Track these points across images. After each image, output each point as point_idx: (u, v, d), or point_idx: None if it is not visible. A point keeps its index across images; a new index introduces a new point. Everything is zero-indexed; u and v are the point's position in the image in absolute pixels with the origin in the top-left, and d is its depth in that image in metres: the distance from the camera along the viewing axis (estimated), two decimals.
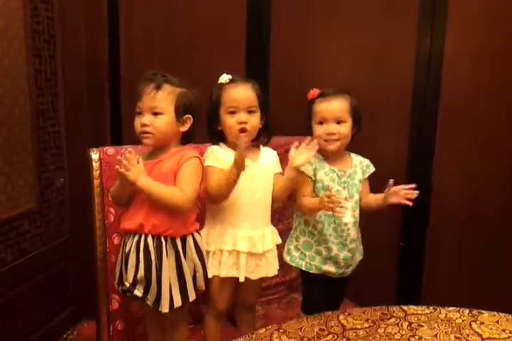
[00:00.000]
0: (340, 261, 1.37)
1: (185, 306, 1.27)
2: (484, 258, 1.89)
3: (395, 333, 1.04)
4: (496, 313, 1.12)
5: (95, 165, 1.32)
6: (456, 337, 1.03)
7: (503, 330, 1.06)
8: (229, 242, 1.32)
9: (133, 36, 1.96)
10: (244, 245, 1.31)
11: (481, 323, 1.08)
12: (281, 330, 1.05)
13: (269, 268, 1.37)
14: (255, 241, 1.32)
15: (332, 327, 1.07)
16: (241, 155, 1.21)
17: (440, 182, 1.87)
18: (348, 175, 1.39)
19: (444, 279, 1.91)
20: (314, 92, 1.38)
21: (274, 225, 1.42)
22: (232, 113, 1.31)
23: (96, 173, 1.32)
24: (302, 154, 1.28)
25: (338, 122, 1.35)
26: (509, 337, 1.03)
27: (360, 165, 1.42)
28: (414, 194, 1.29)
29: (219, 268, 1.32)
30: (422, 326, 1.07)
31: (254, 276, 1.34)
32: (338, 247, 1.37)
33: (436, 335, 1.04)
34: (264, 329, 1.06)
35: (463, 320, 1.10)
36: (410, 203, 1.30)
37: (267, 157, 1.37)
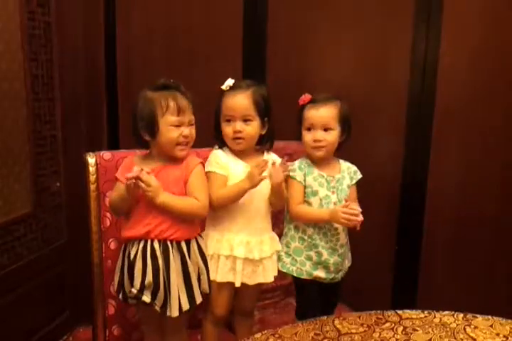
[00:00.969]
0: (331, 266, 1.38)
1: (192, 310, 1.27)
2: (480, 262, 1.89)
3: (390, 337, 1.05)
4: (490, 317, 1.13)
5: (92, 169, 1.32)
6: None
7: (497, 334, 1.06)
8: (226, 247, 1.32)
9: (130, 40, 1.97)
10: (241, 251, 1.31)
11: (475, 327, 1.09)
12: (276, 335, 1.05)
13: (267, 275, 1.37)
14: (252, 247, 1.33)
15: (327, 331, 1.07)
16: (255, 180, 1.26)
17: (435, 185, 1.88)
18: (337, 180, 1.40)
19: (440, 283, 1.92)
20: (305, 98, 1.39)
21: None
22: (228, 121, 1.32)
23: (92, 178, 1.32)
24: (278, 173, 1.29)
25: (326, 129, 1.36)
26: None
27: (348, 171, 1.43)
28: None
29: (216, 272, 1.32)
30: (416, 330, 1.08)
31: (251, 282, 1.34)
32: (329, 252, 1.37)
33: (430, 339, 1.04)
34: (259, 334, 1.06)
35: (457, 324, 1.10)
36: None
37: (269, 163, 1.37)
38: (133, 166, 1.21)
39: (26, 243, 1.71)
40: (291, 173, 1.36)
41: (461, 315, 1.14)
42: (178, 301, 1.23)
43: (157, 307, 1.23)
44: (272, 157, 1.40)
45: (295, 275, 1.39)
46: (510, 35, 1.77)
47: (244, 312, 1.44)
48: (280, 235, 1.46)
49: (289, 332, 1.07)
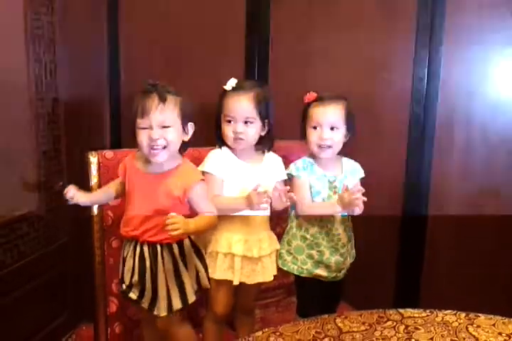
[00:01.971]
0: (332, 265, 1.38)
1: (185, 308, 1.27)
2: (483, 262, 1.88)
3: (392, 336, 1.04)
4: (492, 316, 1.12)
5: (94, 168, 1.33)
6: (452, 340, 1.03)
7: (500, 333, 1.06)
8: (224, 245, 1.32)
9: (133, 40, 1.98)
10: (240, 248, 1.31)
11: (478, 326, 1.08)
12: (277, 333, 1.05)
13: (266, 274, 1.37)
14: (251, 245, 1.33)
15: (328, 330, 1.07)
16: (252, 207, 1.23)
17: (438, 188, 1.87)
18: (340, 180, 1.39)
19: (443, 282, 1.91)
20: (311, 96, 1.38)
21: (272, 228, 1.42)
22: (229, 122, 1.31)
23: (94, 176, 1.32)
24: (281, 201, 1.25)
25: (332, 128, 1.35)
26: (506, 340, 1.03)
27: (351, 170, 1.43)
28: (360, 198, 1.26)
29: (214, 270, 1.32)
30: (418, 329, 1.07)
31: (249, 281, 1.34)
32: (330, 251, 1.37)
33: (432, 338, 1.04)
34: (260, 332, 1.06)
35: (459, 323, 1.10)
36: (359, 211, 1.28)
37: (270, 163, 1.38)
38: (131, 162, 1.23)
39: (29, 241, 1.72)
40: (296, 173, 1.36)
41: (463, 314, 1.13)
42: (168, 301, 1.23)
43: (144, 305, 1.25)
44: (271, 156, 1.40)
45: (296, 273, 1.39)
46: None
47: (245, 311, 1.44)
48: (283, 234, 1.46)
49: (290, 330, 1.07)
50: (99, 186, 1.33)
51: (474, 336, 1.05)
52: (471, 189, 1.87)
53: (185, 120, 1.22)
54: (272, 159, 1.39)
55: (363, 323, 1.09)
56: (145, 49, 1.97)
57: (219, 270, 1.32)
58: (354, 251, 1.46)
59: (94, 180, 1.33)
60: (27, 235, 1.71)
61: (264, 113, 1.32)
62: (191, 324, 1.35)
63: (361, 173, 1.44)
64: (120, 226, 1.28)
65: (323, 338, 1.04)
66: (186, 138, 1.24)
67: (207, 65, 1.91)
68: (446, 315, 1.13)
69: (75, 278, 1.91)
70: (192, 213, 1.24)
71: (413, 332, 1.06)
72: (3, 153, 1.58)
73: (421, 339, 1.03)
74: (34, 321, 1.74)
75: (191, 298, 1.26)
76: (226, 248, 1.32)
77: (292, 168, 1.38)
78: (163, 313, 1.23)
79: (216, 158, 1.33)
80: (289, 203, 1.28)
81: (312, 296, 1.38)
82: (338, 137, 1.35)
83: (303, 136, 1.38)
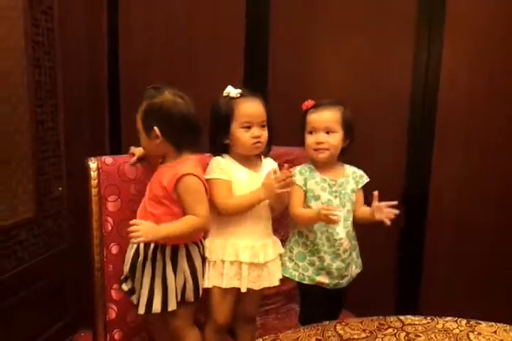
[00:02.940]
0: (334, 272, 1.37)
1: (181, 314, 1.28)
2: (483, 268, 1.88)
3: None
4: (493, 323, 1.12)
5: (93, 174, 1.32)
6: None
7: None
8: (231, 253, 1.32)
9: (132, 46, 1.98)
10: (247, 255, 1.31)
11: (479, 334, 1.08)
12: (277, 340, 1.05)
13: (271, 279, 1.37)
14: (257, 251, 1.33)
15: (329, 337, 1.06)
16: (271, 193, 1.26)
17: (437, 192, 1.87)
18: (340, 184, 1.39)
19: (443, 288, 1.90)
20: (308, 103, 1.40)
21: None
22: (247, 127, 1.32)
23: (94, 182, 1.32)
24: (280, 183, 1.27)
25: (328, 132, 1.36)
26: None
27: (353, 176, 1.43)
28: (394, 213, 1.30)
29: (221, 279, 1.32)
30: (419, 336, 1.07)
31: (256, 287, 1.34)
32: (331, 257, 1.37)
33: None
34: (260, 340, 1.06)
35: (460, 331, 1.09)
36: (389, 222, 1.30)
37: (268, 168, 1.38)
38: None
39: (28, 247, 1.71)
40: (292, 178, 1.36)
41: (464, 321, 1.13)
42: (148, 300, 1.25)
43: (134, 301, 1.28)
44: (268, 162, 1.40)
45: (297, 280, 1.39)
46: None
47: (248, 318, 1.43)
48: (282, 240, 1.46)
49: (290, 337, 1.06)
50: (99, 192, 1.32)
51: None
52: (470, 194, 1.87)
53: (146, 126, 1.25)
54: (269, 164, 1.40)
55: (364, 330, 1.09)
56: (146, 55, 1.98)
57: (226, 278, 1.31)
58: (360, 260, 1.45)
59: (93, 186, 1.32)
60: (26, 241, 1.70)
61: (268, 117, 1.36)
62: None
63: (365, 179, 1.44)
64: None
65: None
66: (157, 142, 1.25)
67: (205, 69, 1.91)
68: (447, 322, 1.13)
69: (73, 284, 1.90)
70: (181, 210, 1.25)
71: (414, 339, 1.06)
72: (2, 158, 1.58)
73: None
74: (33, 327, 1.73)
75: (171, 306, 1.26)
76: (233, 256, 1.31)
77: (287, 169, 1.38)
78: (141, 311, 1.25)
79: (219, 165, 1.33)
80: (284, 190, 1.27)
81: (315, 304, 1.37)
82: (334, 140, 1.36)
83: (303, 143, 1.40)
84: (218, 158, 1.35)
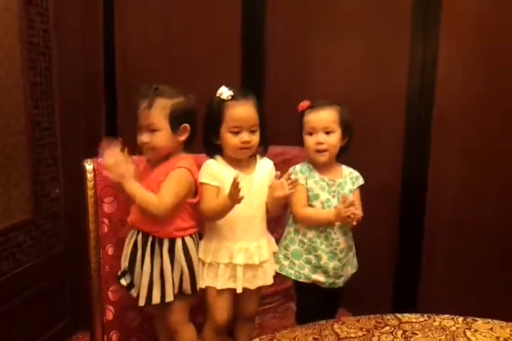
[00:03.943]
0: (330, 271, 1.37)
1: (164, 304, 1.29)
2: (481, 265, 1.88)
3: None
4: (489, 320, 1.12)
5: (89, 176, 1.32)
6: None
7: (497, 338, 1.06)
8: (225, 255, 1.32)
9: (128, 48, 1.98)
10: (241, 258, 1.31)
11: (475, 331, 1.08)
12: (274, 340, 1.05)
13: (267, 278, 1.37)
14: (251, 253, 1.33)
15: (326, 336, 1.07)
16: (235, 200, 1.23)
17: (435, 190, 1.87)
18: (338, 184, 1.39)
19: (441, 287, 1.90)
20: (304, 104, 1.39)
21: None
22: (235, 132, 1.30)
23: (90, 184, 1.32)
24: (283, 187, 1.28)
25: (327, 132, 1.36)
26: None
27: (350, 176, 1.43)
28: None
29: (215, 280, 1.32)
30: (416, 334, 1.07)
31: (251, 286, 1.34)
32: (328, 256, 1.37)
33: None
34: (258, 339, 1.06)
35: (457, 328, 1.10)
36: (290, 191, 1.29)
37: (262, 169, 1.37)
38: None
39: (26, 249, 1.71)
40: (294, 176, 1.36)
41: (460, 319, 1.13)
42: (148, 292, 1.27)
43: (134, 294, 1.30)
44: (264, 162, 1.39)
45: (293, 278, 1.39)
46: (508, 42, 1.77)
47: (246, 318, 1.43)
48: (279, 238, 1.46)
49: (287, 336, 1.06)
50: (95, 193, 1.33)
51: (472, 340, 1.05)
52: (468, 190, 1.87)
53: (175, 122, 1.27)
54: (264, 164, 1.39)
55: (361, 329, 1.09)
56: (141, 57, 1.98)
57: (221, 280, 1.31)
58: (356, 261, 1.46)
59: (90, 187, 1.32)
60: (23, 243, 1.70)
61: (262, 119, 1.33)
62: None
63: (360, 181, 1.44)
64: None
65: None
66: (182, 138, 1.29)
67: (203, 67, 1.90)
68: (443, 319, 1.13)
69: (71, 286, 1.90)
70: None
71: (411, 337, 1.06)
72: None
73: None
74: (30, 329, 1.73)
75: (169, 297, 1.28)
76: (227, 258, 1.31)
77: (290, 172, 1.38)
78: (142, 303, 1.28)
79: (210, 170, 1.32)
80: (292, 190, 1.28)
81: (311, 302, 1.37)
82: (333, 140, 1.36)
83: (301, 143, 1.40)
84: (210, 161, 1.34)
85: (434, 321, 1.13)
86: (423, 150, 1.85)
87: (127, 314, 1.37)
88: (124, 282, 1.31)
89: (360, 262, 1.47)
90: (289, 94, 1.82)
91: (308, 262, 1.38)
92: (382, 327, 1.10)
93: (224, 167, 1.33)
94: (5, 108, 1.60)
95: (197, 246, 1.34)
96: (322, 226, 1.36)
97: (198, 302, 1.37)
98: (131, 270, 1.30)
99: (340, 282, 1.41)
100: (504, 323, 1.11)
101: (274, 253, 1.40)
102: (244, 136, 1.30)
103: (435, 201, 1.87)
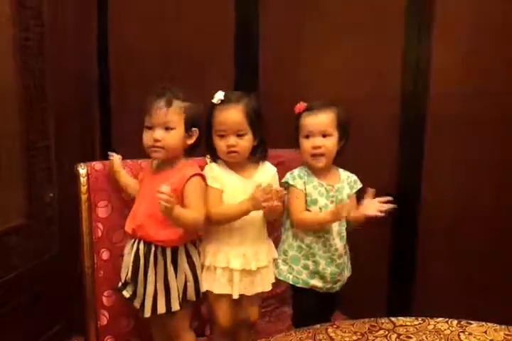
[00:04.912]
0: (327, 276, 1.37)
1: (169, 314, 1.28)
2: (477, 265, 1.88)
3: None
4: (484, 323, 1.12)
5: (83, 180, 1.32)
6: None
7: (491, 340, 1.06)
8: (222, 260, 1.31)
9: (123, 51, 1.98)
10: (238, 263, 1.31)
11: (469, 334, 1.08)
12: None
13: (264, 283, 1.36)
14: (249, 259, 1.32)
15: (320, 340, 1.06)
16: (258, 206, 1.24)
17: (430, 190, 1.87)
18: (336, 189, 1.39)
19: (435, 290, 1.91)
20: (301, 106, 1.38)
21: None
22: (221, 136, 1.31)
23: (84, 188, 1.32)
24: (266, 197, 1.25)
25: (324, 136, 1.35)
26: None
27: (348, 181, 1.43)
28: (385, 206, 1.28)
29: (213, 284, 1.32)
30: (410, 337, 1.07)
31: (248, 292, 1.33)
32: (326, 262, 1.37)
33: None
34: None
35: (451, 331, 1.10)
36: (381, 214, 1.28)
37: (263, 174, 1.37)
38: (148, 166, 1.33)
39: (19, 254, 1.70)
40: (292, 182, 1.36)
41: (455, 322, 1.13)
42: (153, 302, 1.26)
43: (137, 305, 1.28)
44: (266, 167, 1.39)
45: (291, 283, 1.38)
46: (501, 40, 1.78)
47: (248, 323, 1.41)
48: (275, 243, 1.46)
49: (281, 340, 1.06)
50: (88, 198, 1.32)
51: None
52: (464, 190, 1.87)
53: (189, 124, 1.28)
54: (266, 170, 1.38)
55: (355, 333, 1.09)
56: (136, 60, 1.98)
57: (217, 284, 1.31)
58: (350, 264, 1.45)
59: (83, 192, 1.32)
60: (17, 247, 1.69)
61: (254, 123, 1.31)
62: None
63: (358, 185, 1.43)
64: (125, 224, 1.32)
65: None
66: (190, 142, 1.30)
67: (196, 72, 1.90)
68: (438, 322, 1.13)
69: (65, 290, 1.89)
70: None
71: (405, 340, 1.06)
72: None
73: None
74: (24, 334, 1.72)
75: (175, 306, 1.27)
76: (224, 263, 1.31)
77: (288, 177, 1.38)
78: (147, 314, 1.26)
79: (212, 172, 1.32)
80: (280, 203, 1.26)
81: (307, 307, 1.37)
82: (330, 144, 1.35)
83: (297, 145, 1.39)
84: (212, 164, 1.34)
85: (429, 324, 1.13)
86: (417, 152, 1.86)
87: (121, 319, 1.36)
88: (126, 294, 1.29)
89: (354, 265, 1.47)
90: (283, 95, 1.82)
91: (306, 268, 1.37)
92: (377, 331, 1.10)
93: (225, 171, 1.33)
94: None
95: (198, 250, 1.33)
96: (320, 232, 1.36)
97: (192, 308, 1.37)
98: (134, 281, 1.27)
99: (337, 287, 1.41)
100: (498, 326, 1.11)
101: (274, 259, 1.40)
102: (230, 139, 1.29)
103: (430, 200, 1.87)
